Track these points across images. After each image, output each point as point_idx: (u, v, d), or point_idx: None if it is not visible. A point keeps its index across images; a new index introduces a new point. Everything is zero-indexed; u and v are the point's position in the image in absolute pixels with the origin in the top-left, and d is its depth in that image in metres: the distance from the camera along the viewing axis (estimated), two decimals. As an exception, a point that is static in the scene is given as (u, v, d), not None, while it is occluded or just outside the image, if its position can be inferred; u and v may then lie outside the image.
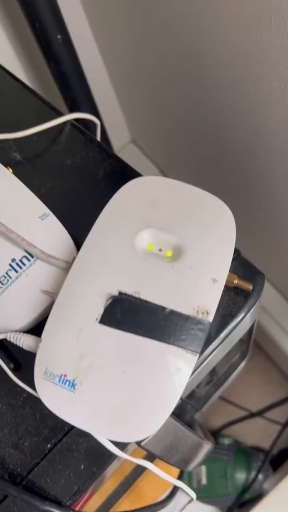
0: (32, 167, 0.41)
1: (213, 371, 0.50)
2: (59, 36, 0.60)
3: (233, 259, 0.35)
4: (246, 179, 0.69)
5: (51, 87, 0.70)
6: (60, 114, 0.44)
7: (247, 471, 0.92)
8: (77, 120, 0.45)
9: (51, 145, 0.43)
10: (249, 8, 0.43)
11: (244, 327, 0.37)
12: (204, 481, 0.91)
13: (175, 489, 0.42)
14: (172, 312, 0.29)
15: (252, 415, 0.99)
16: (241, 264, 0.35)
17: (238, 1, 0.44)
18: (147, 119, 0.89)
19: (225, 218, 0.32)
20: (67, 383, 0.29)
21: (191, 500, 0.38)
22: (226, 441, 0.95)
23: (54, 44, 0.61)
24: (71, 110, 0.71)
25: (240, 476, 0.92)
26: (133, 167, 0.41)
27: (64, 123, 0.43)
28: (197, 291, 0.30)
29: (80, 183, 0.40)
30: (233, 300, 0.34)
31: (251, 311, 0.34)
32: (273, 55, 0.45)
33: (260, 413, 0.99)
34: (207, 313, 0.29)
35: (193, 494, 0.37)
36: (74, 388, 0.28)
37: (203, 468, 0.93)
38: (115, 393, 0.28)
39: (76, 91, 0.67)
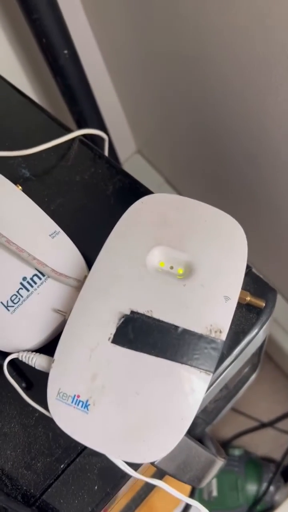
0: (41, 183, 0.42)
1: (224, 386, 0.50)
2: (65, 51, 0.61)
3: (245, 275, 0.35)
4: (250, 190, 0.69)
5: (58, 101, 0.71)
6: (68, 130, 0.44)
7: (258, 483, 0.91)
8: (84, 135, 0.45)
9: (59, 161, 0.43)
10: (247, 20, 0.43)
11: (257, 343, 0.37)
12: (215, 493, 0.90)
13: (187, 506, 0.42)
14: (185, 331, 0.29)
15: (262, 425, 0.98)
16: (252, 280, 0.35)
17: (241, 13, 0.44)
18: (152, 130, 0.90)
19: (237, 235, 0.32)
20: (80, 403, 0.28)
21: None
22: (237, 452, 0.94)
23: (61, 59, 0.61)
24: (78, 123, 0.71)
25: (251, 488, 0.91)
26: (139, 177, 0.41)
27: (73, 139, 0.44)
28: (209, 310, 0.30)
29: (89, 199, 0.40)
30: (245, 316, 0.33)
31: (264, 327, 0.34)
32: (280, 69, 0.45)
33: (271, 424, 0.98)
34: (220, 331, 0.29)
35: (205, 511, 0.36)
36: (87, 409, 0.28)
37: (214, 480, 0.92)
38: (128, 413, 0.28)
39: (83, 105, 0.68)
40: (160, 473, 0.35)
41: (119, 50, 0.72)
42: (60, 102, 0.70)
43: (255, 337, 0.34)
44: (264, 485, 0.91)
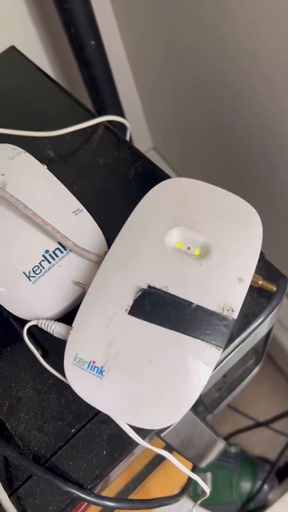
0: (65, 164, 0.43)
1: (228, 375, 0.51)
2: (92, 42, 0.63)
3: (258, 261, 0.36)
4: (267, 191, 0.71)
5: (80, 91, 0.72)
6: (93, 115, 0.46)
7: (253, 481, 0.92)
8: (108, 122, 0.46)
9: (84, 144, 0.44)
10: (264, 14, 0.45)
11: (263, 330, 0.38)
12: (209, 488, 0.91)
13: (188, 483, 0.43)
14: (199, 307, 0.31)
15: (259, 424, 0.99)
16: (265, 267, 0.36)
17: (262, 10, 0.45)
18: (169, 128, 0.91)
19: (252, 220, 0.34)
20: (96, 369, 0.30)
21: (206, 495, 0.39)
22: (233, 450, 0.95)
23: (87, 50, 0.63)
24: (99, 114, 0.72)
25: (245, 485, 0.92)
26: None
27: (97, 125, 0.45)
28: (223, 289, 0.31)
29: (111, 182, 0.42)
30: (256, 300, 0.35)
31: (273, 312, 0.35)
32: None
33: (267, 423, 0.99)
34: (232, 310, 0.31)
35: (207, 489, 0.38)
36: (102, 375, 0.30)
37: (209, 475, 0.93)
38: (140, 381, 0.29)
39: (105, 96, 0.69)
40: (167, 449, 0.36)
41: (141, 45, 0.73)
42: (83, 91, 0.71)
43: (263, 322, 0.35)
44: (258, 483, 0.92)
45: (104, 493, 0.51)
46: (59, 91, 0.49)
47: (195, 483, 0.95)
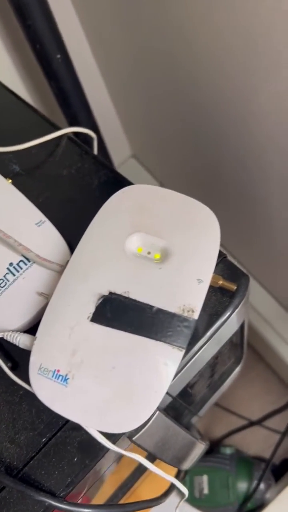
0: (30, 178, 0.44)
1: (209, 375, 0.52)
2: (58, 56, 0.64)
3: (220, 262, 0.37)
4: (240, 192, 0.72)
5: (52, 105, 0.73)
6: (57, 128, 0.47)
7: (249, 481, 0.92)
8: (76, 135, 0.47)
9: (48, 157, 0.45)
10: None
11: (232, 327, 0.39)
12: (206, 490, 0.91)
13: (170, 488, 0.44)
14: (159, 310, 0.31)
15: (252, 424, 1.00)
16: (227, 267, 0.37)
17: (223, 18, 0.46)
18: (146, 135, 0.92)
19: (211, 223, 0.34)
20: (60, 378, 0.30)
21: (184, 497, 0.39)
22: (228, 451, 0.95)
23: (54, 64, 0.64)
24: (71, 126, 0.73)
25: (242, 486, 0.92)
26: (134, 180, 0.43)
27: (61, 137, 0.46)
28: (182, 291, 0.32)
29: (75, 192, 0.42)
30: (219, 300, 0.35)
31: (237, 310, 0.35)
32: (260, 73, 0.47)
33: (259, 422, 0.99)
34: (193, 311, 0.31)
35: (185, 491, 0.38)
36: (66, 382, 0.30)
37: (205, 478, 0.93)
38: (104, 386, 0.30)
39: (76, 108, 0.70)
40: (151, 458, 0.36)
41: (113, 55, 0.74)
42: (55, 105, 0.72)
43: (229, 320, 0.36)
44: (255, 483, 0.92)
45: (93, 501, 0.51)
46: (23, 106, 0.49)
47: (192, 484, 0.95)
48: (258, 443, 1.01)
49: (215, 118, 0.63)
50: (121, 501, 0.56)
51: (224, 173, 0.72)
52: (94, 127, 0.76)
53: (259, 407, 1.03)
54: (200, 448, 0.44)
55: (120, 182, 0.42)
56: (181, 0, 0.50)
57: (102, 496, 0.55)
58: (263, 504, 0.92)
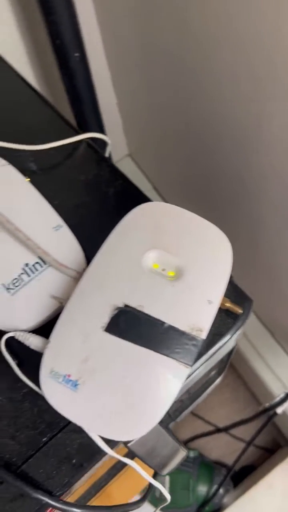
0: (46, 178, 0.44)
1: (193, 386, 0.54)
2: (76, 54, 0.64)
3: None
4: (235, 201, 0.73)
5: (61, 100, 0.73)
6: (75, 130, 0.47)
7: (209, 485, 0.95)
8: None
9: (66, 160, 0.46)
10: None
11: (229, 347, 0.41)
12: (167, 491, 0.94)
13: (149, 490, 0.45)
14: (170, 327, 0.33)
15: (218, 430, 1.03)
16: (232, 289, 0.38)
17: (241, 28, 0.48)
18: (145, 137, 0.93)
19: (224, 247, 0.36)
20: (70, 382, 0.31)
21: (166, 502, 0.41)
22: (191, 454, 0.98)
23: (71, 61, 0.64)
24: (79, 124, 0.74)
25: (202, 489, 0.95)
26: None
27: (80, 141, 0.46)
28: (193, 310, 0.33)
29: (91, 198, 0.43)
30: (224, 321, 0.37)
31: (238, 332, 0.37)
32: (271, 88, 0.49)
33: (226, 429, 1.02)
34: (201, 330, 0.33)
35: (168, 496, 0.40)
36: (76, 388, 0.31)
37: (167, 479, 0.96)
38: (112, 395, 0.31)
39: (85, 107, 0.71)
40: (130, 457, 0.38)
41: (123, 57, 0.75)
42: (63, 101, 0.72)
43: (229, 341, 0.37)
44: (215, 487, 0.95)
45: (67, 499, 0.52)
46: (42, 103, 0.50)
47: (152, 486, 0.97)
48: (221, 448, 1.04)
49: (218, 130, 0.64)
50: (93, 499, 0.58)
51: (220, 187, 0.74)
52: (100, 127, 0.77)
53: (226, 414, 1.06)
54: (182, 455, 0.46)
55: (136, 196, 0.43)
56: (200, 12, 0.51)
57: (75, 493, 0.57)
58: (220, 508, 0.95)
